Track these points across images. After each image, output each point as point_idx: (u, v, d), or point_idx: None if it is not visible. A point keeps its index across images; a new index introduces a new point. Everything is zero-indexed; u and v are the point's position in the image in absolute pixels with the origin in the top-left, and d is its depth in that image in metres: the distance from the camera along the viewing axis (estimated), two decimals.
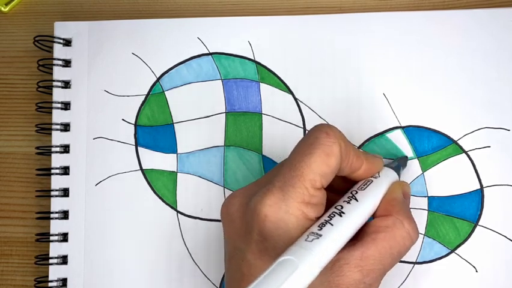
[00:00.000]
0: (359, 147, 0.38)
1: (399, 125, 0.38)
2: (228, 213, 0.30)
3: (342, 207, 0.28)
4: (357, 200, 0.29)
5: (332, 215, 0.28)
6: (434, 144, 0.37)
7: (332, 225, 0.27)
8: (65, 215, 0.39)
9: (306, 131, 0.38)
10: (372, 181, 0.31)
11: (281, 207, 0.27)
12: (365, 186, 0.31)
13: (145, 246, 0.38)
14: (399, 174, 0.34)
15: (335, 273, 0.27)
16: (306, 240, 0.26)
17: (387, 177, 0.32)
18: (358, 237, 0.29)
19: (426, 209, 0.37)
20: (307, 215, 0.28)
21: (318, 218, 0.28)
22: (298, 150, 0.29)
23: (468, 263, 0.36)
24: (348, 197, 0.29)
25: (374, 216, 0.30)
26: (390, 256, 0.29)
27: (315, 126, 0.30)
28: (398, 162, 0.35)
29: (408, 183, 0.33)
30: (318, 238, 0.26)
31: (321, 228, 0.27)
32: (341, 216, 0.28)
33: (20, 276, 0.40)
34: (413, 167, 0.37)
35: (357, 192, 0.30)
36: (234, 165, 0.39)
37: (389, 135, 0.38)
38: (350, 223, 0.28)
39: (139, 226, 0.39)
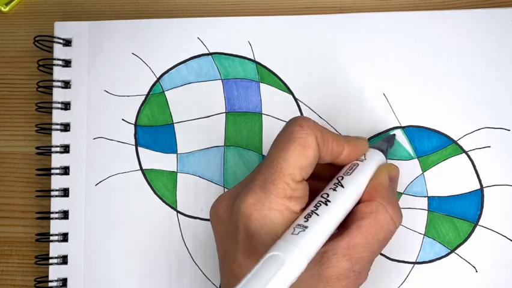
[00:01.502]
0: None
1: (399, 125, 0.38)
2: (216, 216, 0.31)
3: (328, 195, 0.28)
4: (343, 186, 0.29)
5: (318, 205, 0.28)
6: (434, 144, 0.37)
7: (317, 215, 0.27)
8: (65, 215, 0.39)
9: None
10: (358, 165, 0.31)
11: (264, 205, 0.28)
12: (350, 171, 0.30)
13: (145, 246, 0.38)
14: (386, 155, 0.33)
15: (324, 265, 0.27)
16: (292, 233, 0.26)
17: (373, 160, 0.32)
18: (344, 225, 0.29)
19: (426, 209, 0.37)
20: (292, 209, 0.28)
21: (303, 210, 0.28)
22: (275, 146, 0.29)
23: (468, 263, 0.36)
24: (334, 184, 0.29)
25: (360, 201, 0.30)
26: (377, 242, 0.29)
27: (289, 120, 0.30)
28: (385, 142, 0.35)
29: (395, 165, 0.33)
30: (304, 230, 0.26)
31: (307, 220, 0.27)
32: (326, 205, 0.28)
33: (20, 276, 0.40)
34: (413, 167, 0.37)
35: (343, 178, 0.30)
36: (234, 165, 0.39)
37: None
38: (335, 211, 0.28)
39: (139, 226, 0.39)
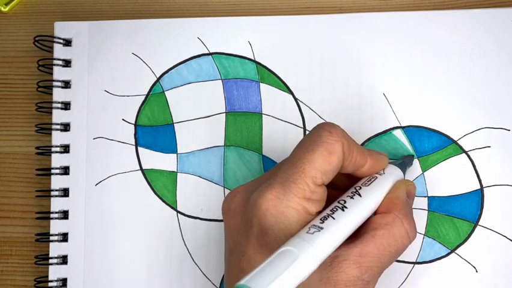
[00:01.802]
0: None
1: (399, 125, 0.38)
2: (229, 209, 0.31)
3: (345, 202, 0.29)
4: (360, 196, 0.29)
5: (335, 209, 0.28)
6: (434, 144, 0.37)
7: (333, 219, 0.27)
8: (65, 215, 0.39)
9: (306, 131, 0.38)
10: (376, 177, 0.31)
11: (282, 202, 0.28)
12: (369, 183, 0.31)
13: (145, 246, 0.38)
14: (404, 172, 0.34)
15: (334, 269, 0.28)
16: (307, 232, 0.26)
17: (392, 175, 0.32)
18: (358, 234, 0.29)
19: (426, 209, 0.37)
20: (308, 210, 0.28)
21: (318, 213, 0.28)
22: (301, 147, 0.29)
23: (468, 263, 0.36)
24: (351, 192, 0.30)
25: (375, 213, 0.30)
26: (389, 254, 0.29)
27: (318, 124, 0.30)
28: (404, 160, 0.35)
29: (413, 182, 0.33)
30: (319, 231, 0.26)
31: (323, 222, 0.27)
32: (343, 210, 0.28)
33: (20, 276, 0.40)
34: (413, 167, 0.37)
35: (360, 188, 0.30)
36: (234, 165, 0.39)
37: (389, 134, 0.38)
38: (351, 218, 0.28)
39: (139, 226, 0.39)
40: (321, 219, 0.27)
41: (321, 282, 0.27)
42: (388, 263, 0.29)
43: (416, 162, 0.37)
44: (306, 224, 0.28)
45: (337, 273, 0.27)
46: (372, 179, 0.31)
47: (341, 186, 0.32)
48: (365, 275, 0.28)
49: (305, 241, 0.25)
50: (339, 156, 0.29)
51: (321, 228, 0.26)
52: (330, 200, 0.30)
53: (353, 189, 0.30)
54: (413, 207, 0.37)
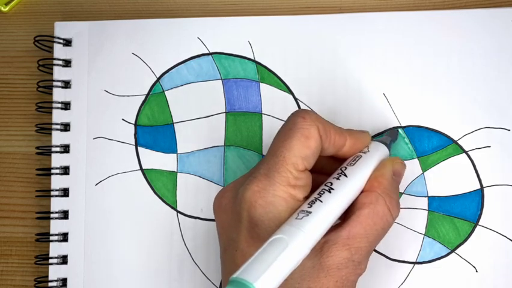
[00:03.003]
0: None
1: (399, 125, 0.38)
2: (220, 206, 0.31)
3: (331, 184, 0.29)
4: (346, 176, 0.30)
5: (322, 192, 0.29)
6: (434, 144, 0.37)
7: (321, 202, 0.28)
8: (65, 215, 0.39)
9: None
10: (361, 156, 0.31)
11: (269, 192, 0.28)
12: (354, 162, 0.31)
13: (145, 246, 0.38)
14: (390, 148, 0.34)
15: (324, 254, 0.28)
16: (296, 218, 0.26)
17: (377, 152, 0.32)
18: (346, 217, 0.30)
19: (427, 209, 0.37)
20: (295, 196, 0.29)
21: (306, 198, 0.29)
22: (279, 137, 0.30)
23: (468, 263, 0.36)
24: (337, 174, 0.30)
25: (362, 191, 0.31)
26: (376, 232, 0.29)
27: (292, 113, 0.31)
28: (388, 136, 0.35)
29: (402, 160, 0.33)
30: (307, 215, 0.27)
31: (311, 206, 0.27)
32: (330, 192, 0.29)
33: (20, 276, 0.40)
34: (413, 167, 0.37)
35: (346, 168, 0.30)
36: (234, 165, 0.39)
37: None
38: (339, 199, 0.29)
39: (139, 226, 0.39)
40: (309, 204, 0.28)
41: (314, 268, 0.28)
42: (376, 241, 0.30)
43: (416, 162, 0.37)
44: (294, 210, 0.28)
45: (328, 257, 0.28)
46: (357, 158, 0.31)
47: (328, 171, 0.32)
48: (355, 256, 0.28)
49: (294, 227, 0.26)
50: (316, 139, 0.29)
51: (310, 212, 0.27)
52: (318, 186, 0.30)
53: (338, 171, 0.30)
54: (413, 206, 0.37)
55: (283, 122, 0.31)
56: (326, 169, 0.32)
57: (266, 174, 0.29)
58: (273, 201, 0.28)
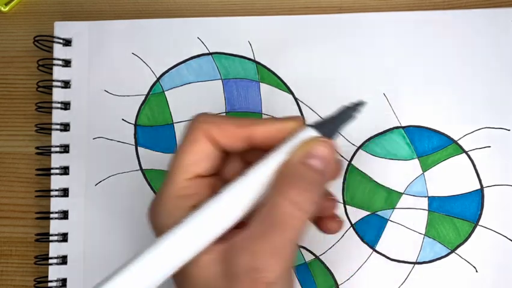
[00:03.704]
0: (359, 147, 0.38)
1: (399, 125, 0.38)
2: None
3: (226, 186, 0.26)
4: (245, 175, 0.26)
5: (213, 196, 0.26)
6: (434, 144, 0.37)
7: (200, 208, 0.26)
8: (64, 215, 0.39)
9: None
10: (277, 149, 0.27)
11: (157, 207, 0.28)
12: (266, 155, 0.27)
13: (144, 247, 0.38)
14: (330, 132, 0.27)
15: (229, 262, 0.25)
16: (182, 220, 0.26)
17: (296, 139, 0.26)
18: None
19: (427, 209, 0.37)
20: (182, 207, 0.27)
21: (196, 206, 0.27)
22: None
23: (468, 263, 0.36)
24: (243, 173, 0.27)
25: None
26: (277, 232, 0.25)
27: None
28: (336, 116, 0.28)
29: (327, 140, 0.27)
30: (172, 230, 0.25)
31: (187, 217, 0.26)
32: (218, 196, 0.26)
33: (19, 276, 0.40)
34: (413, 167, 0.37)
35: (253, 164, 0.27)
36: None
37: (390, 134, 0.38)
38: (223, 203, 0.26)
39: (139, 226, 0.39)
40: (194, 209, 0.26)
41: (223, 278, 0.25)
42: (282, 242, 0.25)
43: (416, 162, 0.37)
44: (179, 219, 0.27)
45: (234, 266, 0.25)
46: (272, 152, 0.27)
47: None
48: (257, 261, 0.25)
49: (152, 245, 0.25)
50: (203, 142, 0.28)
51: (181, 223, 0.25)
52: None
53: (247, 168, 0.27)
54: (413, 207, 0.37)
55: None
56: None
57: (159, 190, 0.28)
58: (160, 213, 0.28)
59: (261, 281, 0.25)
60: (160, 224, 0.28)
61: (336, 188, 0.37)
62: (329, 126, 0.27)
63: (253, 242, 0.25)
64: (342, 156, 0.38)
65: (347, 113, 0.28)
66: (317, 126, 0.27)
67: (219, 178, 0.29)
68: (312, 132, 0.26)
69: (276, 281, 0.25)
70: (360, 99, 0.28)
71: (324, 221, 0.31)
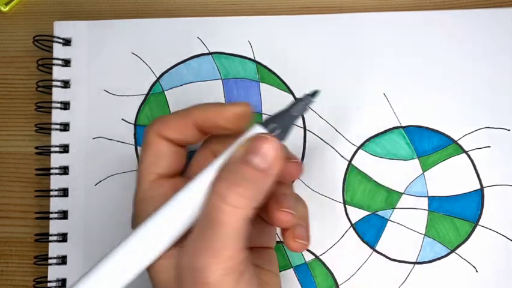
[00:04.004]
0: (359, 147, 0.38)
1: (399, 125, 0.38)
2: None
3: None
4: (194, 178, 0.26)
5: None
6: (434, 144, 0.37)
7: (151, 216, 0.26)
8: (64, 215, 0.39)
9: (307, 131, 0.38)
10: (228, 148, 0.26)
11: (136, 210, 0.29)
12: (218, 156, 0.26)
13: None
14: (284, 132, 0.26)
15: (177, 264, 0.25)
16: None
17: (243, 137, 0.26)
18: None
19: (427, 209, 0.37)
20: (143, 209, 0.28)
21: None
22: None
23: (468, 263, 0.36)
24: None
25: None
26: (214, 232, 0.24)
27: None
28: (288, 109, 0.27)
29: (273, 137, 0.25)
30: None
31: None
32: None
33: (19, 276, 0.40)
34: (413, 167, 0.37)
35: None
36: None
37: (390, 134, 0.38)
38: (170, 211, 0.26)
39: None
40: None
41: (175, 281, 0.25)
42: (220, 241, 0.24)
43: (416, 162, 0.37)
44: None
45: (180, 268, 0.25)
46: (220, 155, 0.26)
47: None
48: (197, 261, 0.24)
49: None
50: (156, 142, 0.28)
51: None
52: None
53: None
54: (413, 207, 0.37)
55: None
56: None
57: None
58: (133, 220, 0.28)
59: (200, 281, 0.24)
60: (133, 228, 0.28)
61: (336, 188, 0.37)
62: (281, 121, 0.26)
63: (193, 242, 0.25)
64: (342, 156, 0.38)
65: (299, 105, 0.27)
66: (266, 122, 0.26)
67: (187, 176, 0.29)
68: (259, 130, 0.25)
69: (217, 282, 0.24)
70: (315, 89, 0.27)
71: (272, 212, 0.28)
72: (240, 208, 0.24)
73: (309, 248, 0.37)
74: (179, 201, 0.25)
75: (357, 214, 0.37)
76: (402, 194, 0.37)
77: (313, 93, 0.27)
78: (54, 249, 0.38)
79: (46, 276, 0.38)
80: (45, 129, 0.40)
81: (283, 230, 0.29)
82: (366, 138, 0.38)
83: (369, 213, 0.37)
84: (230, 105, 0.27)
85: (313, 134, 0.38)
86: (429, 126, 0.38)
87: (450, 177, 0.37)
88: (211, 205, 0.24)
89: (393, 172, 0.37)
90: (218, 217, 0.24)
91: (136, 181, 0.29)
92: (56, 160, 0.39)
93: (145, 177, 0.28)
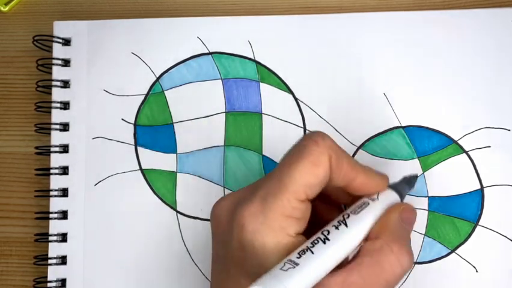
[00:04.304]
0: (359, 147, 0.38)
1: (399, 125, 0.38)
2: (215, 217, 0.29)
3: (328, 233, 0.26)
4: (346, 226, 0.27)
5: (316, 241, 0.26)
6: (434, 144, 0.37)
7: (312, 253, 0.25)
8: (64, 215, 0.39)
9: (306, 131, 0.38)
10: (368, 204, 0.29)
11: (258, 218, 0.26)
12: (359, 210, 0.28)
13: (144, 246, 0.38)
14: (403, 196, 0.31)
15: None
16: (281, 268, 0.24)
17: (386, 200, 0.29)
18: (345, 262, 0.27)
19: (427, 209, 0.37)
20: (286, 229, 0.26)
21: (298, 234, 0.27)
22: (286, 158, 0.28)
23: (468, 263, 0.36)
24: (338, 221, 0.27)
25: (367, 239, 0.28)
26: (376, 284, 0.26)
27: (307, 134, 0.29)
28: (404, 183, 0.32)
29: (412, 207, 0.30)
30: (294, 268, 0.24)
31: (300, 256, 0.25)
32: (324, 243, 0.26)
33: (19, 276, 0.40)
34: (413, 167, 0.37)
35: (349, 216, 0.28)
36: (234, 165, 0.39)
37: (390, 134, 0.38)
38: (333, 252, 0.26)
39: (139, 226, 0.38)
40: (298, 254, 0.25)
41: None
42: (378, 283, 0.26)
43: (416, 162, 0.37)
44: (281, 246, 0.26)
45: None
46: (364, 206, 0.28)
47: (336, 201, 0.31)
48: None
49: (276, 280, 0.23)
50: (325, 168, 0.27)
51: (297, 264, 0.24)
52: (320, 215, 0.29)
53: (340, 218, 0.28)
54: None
55: (295, 142, 0.28)
56: (332, 198, 0.30)
57: (263, 198, 0.26)
58: (260, 230, 0.26)
59: None
60: (257, 239, 0.26)
61: None
62: (400, 191, 0.31)
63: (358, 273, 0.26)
64: None
65: (412, 181, 0.32)
66: (397, 190, 0.31)
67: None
68: (396, 197, 0.30)
69: None
70: (415, 173, 0.33)
71: None
72: (404, 266, 0.27)
73: None
74: (340, 243, 0.27)
75: None
76: None
77: (415, 176, 0.33)
78: (54, 249, 0.38)
79: (46, 276, 0.38)
80: (45, 129, 0.40)
81: None
82: (366, 138, 0.38)
83: None
84: (382, 178, 0.30)
85: None
86: (429, 126, 0.38)
87: (450, 177, 0.37)
88: (387, 259, 0.27)
89: (393, 172, 0.37)
90: (393, 272, 0.27)
91: (276, 188, 0.26)
92: (56, 160, 0.39)
93: (295, 193, 0.26)
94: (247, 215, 0.26)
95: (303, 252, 0.25)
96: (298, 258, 0.25)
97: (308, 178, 0.26)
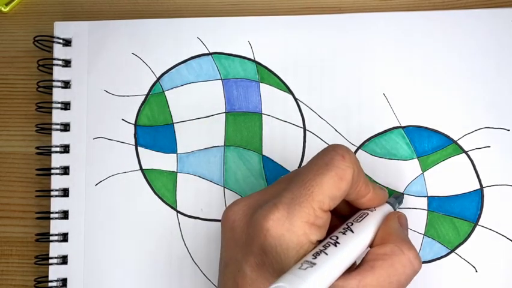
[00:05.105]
0: (359, 147, 0.38)
1: (399, 125, 0.38)
2: (229, 221, 0.30)
3: (337, 238, 0.28)
4: (352, 232, 0.29)
5: (327, 245, 0.27)
6: (434, 144, 0.37)
7: (326, 254, 0.27)
8: (65, 215, 0.39)
9: (306, 131, 0.38)
10: (367, 214, 0.31)
11: (284, 224, 0.27)
12: (360, 219, 0.30)
13: (145, 246, 0.38)
14: (394, 208, 0.34)
15: None
16: (300, 268, 0.25)
17: (381, 211, 0.32)
18: (356, 266, 0.29)
19: (426, 209, 0.37)
20: (309, 237, 0.27)
21: (319, 242, 0.28)
22: (311, 168, 0.29)
23: (468, 263, 0.36)
24: (343, 229, 0.29)
25: (371, 247, 0.30)
26: (389, 285, 0.28)
27: (332, 146, 0.29)
28: (394, 198, 0.35)
29: (403, 213, 0.33)
30: (312, 267, 0.25)
31: (316, 257, 0.26)
32: (335, 246, 0.27)
33: (20, 276, 0.40)
34: (413, 167, 0.37)
35: (352, 224, 0.30)
36: (234, 165, 0.39)
37: (389, 134, 0.38)
38: (345, 253, 0.27)
39: (139, 226, 0.39)
40: (313, 255, 0.26)
41: None
42: (388, 281, 0.28)
43: (416, 162, 0.37)
44: (304, 251, 0.27)
45: None
46: (364, 215, 0.31)
47: (339, 212, 0.32)
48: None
49: (297, 277, 0.25)
50: (348, 182, 0.28)
51: (314, 264, 0.26)
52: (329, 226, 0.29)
53: (344, 226, 0.29)
54: (412, 206, 0.37)
55: (319, 152, 0.30)
56: (336, 210, 0.31)
57: (288, 204, 0.27)
58: (286, 235, 0.27)
59: None
60: (280, 244, 0.27)
61: None
62: (392, 204, 0.34)
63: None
64: None
65: (401, 197, 0.36)
66: (390, 203, 0.34)
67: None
68: (390, 208, 0.33)
69: None
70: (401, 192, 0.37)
71: None
72: (415, 266, 0.29)
73: None
74: (356, 240, 0.29)
75: None
76: (402, 194, 0.37)
77: (402, 194, 0.37)
78: (55, 249, 0.38)
79: (47, 276, 0.38)
80: (45, 129, 0.40)
81: None
82: (366, 138, 0.38)
83: None
84: (385, 193, 0.33)
85: (313, 134, 0.38)
86: (429, 126, 0.38)
87: (450, 177, 0.37)
88: (399, 260, 0.28)
89: (393, 172, 0.37)
90: (405, 273, 0.28)
91: (302, 196, 0.28)
92: (57, 160, 0.39)
93: (320, 203, 0.28)
94: (272, 220, 0.27)
95: (318, 254, 0.26)
96: (314, 259, 0.26)
97: (333, 190, 0.28)
